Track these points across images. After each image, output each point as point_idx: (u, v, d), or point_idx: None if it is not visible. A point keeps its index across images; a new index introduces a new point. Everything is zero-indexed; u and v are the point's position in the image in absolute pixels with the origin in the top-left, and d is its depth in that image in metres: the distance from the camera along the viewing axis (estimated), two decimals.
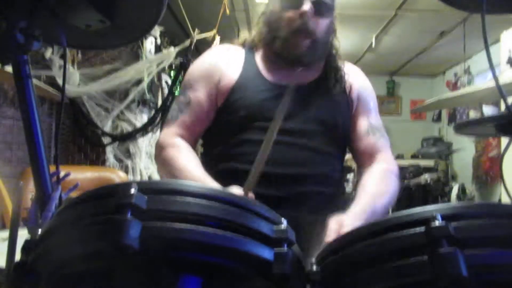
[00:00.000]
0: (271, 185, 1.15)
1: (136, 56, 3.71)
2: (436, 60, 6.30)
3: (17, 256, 0.55)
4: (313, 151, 1.20)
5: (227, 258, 0.49)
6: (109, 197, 0.50)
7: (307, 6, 1.18)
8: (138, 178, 3.62)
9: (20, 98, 0.72)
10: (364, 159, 1.29)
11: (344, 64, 1.34)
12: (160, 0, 0.80)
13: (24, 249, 0.54)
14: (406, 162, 6.21)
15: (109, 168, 3.51)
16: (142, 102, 3.79)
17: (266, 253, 0.50)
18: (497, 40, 3.79)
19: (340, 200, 1.25)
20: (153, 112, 3.83)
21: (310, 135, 1.21)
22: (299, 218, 0.94)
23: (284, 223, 0.53)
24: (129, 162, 3.67)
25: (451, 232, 0.44)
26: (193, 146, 1.27)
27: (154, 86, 3.98)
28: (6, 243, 0.79)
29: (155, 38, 3.98)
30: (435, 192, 5.37)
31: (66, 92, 3.06)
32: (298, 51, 1.22)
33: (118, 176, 3.21)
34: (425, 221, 0.46)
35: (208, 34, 3.51)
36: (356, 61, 5.99)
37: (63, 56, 2.91)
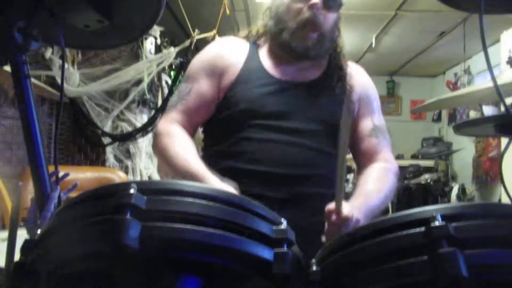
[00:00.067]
0: (272, 185, 1.14)
1: (136, 56, 3.71)
2: (436, 60, 6.30)
3: (17, 256, 0.55)
4: (314, 151, 1.20)
5: (227, 258, 0.49)
6: (108, 197, 0.50)
7: None
8: (138, 178, 3.62)
9: (19, 98, 0.72)
10: (364, 160, 1.29)
11: (347, 64, 1.34)
12: (159, 1, 0.80)
13: (24, 249, 0.54)
14: (406, 162, 6.21)
15: (109, 168, 3.51)
16: (142, 102, 3.79)
17: (266, 253, 0.50)
18: (497, 40, 3.79)
19: None
20: (153, 112, 3.83)
21: (311, 134, 1.21)
22: (300, 219, 0.94)
23: (284, 223, 0.53)
24: (129, 162, 3.67)
25: (451, 232, 0.44)
26: (191, 134, 1.26)
27: (154, 86, 3.98)
28: (5, 243, 0.78)
29: (155, 38, 3.98)
30: (435, 192, 5.37)
31: (66, 92, 3.06)
32: (306, 44, 1.21)
33: (118, 176, 3.21)
34: (425, 221, 0.46)
35: (208, 34, 3.51)
36: (356, 61, 5.95)
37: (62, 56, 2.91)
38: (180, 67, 3.85)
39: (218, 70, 1.25)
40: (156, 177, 3.87)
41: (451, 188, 5.62)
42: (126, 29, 0.88)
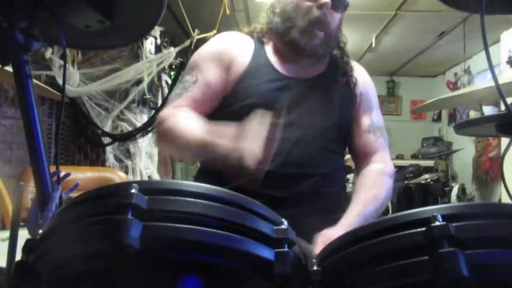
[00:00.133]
0: (274, 185, 1.14)
1: (136, 56, 3.71)
2: (436, 60, 6.30)
3: (18, 256, 0.55)
4: (320, 149, 1.20)
5: (228, 258, 0.49)
6: (109, 197, 0.50)
7: None
8: (138, 178, 3.62)
9: (20, 98, 0.72)
10: (360, 158, 1.29)
11: (350, 60, 1.35)
12: (160, 1, 0.80)
13: (25, 249, 0.54)
14: (406, 162, 6.22)
15: (109, 168, 3.52)
16: (142, 102, 3.79)
17: (267, 253, 0.50)
18: (497, 40, 3.78)
19: (343, 199, 1.24)
20: (153, 112, 3.83)
21: (318, 131, 1.20)
22: (302, 218, 0.93)
23: (285, 223, 0.53)
24: (129, 162, 3.67)
25: (452, 232, 0.44)
26: None
27: (154, 86, 3.97)
28: (5, 243, 0.79)
29: (155, 38, 3.98)
30: (435, 192, 5.37)
31: (66, 92, 3.06)
32: (314, 42, 1.21)
33: (118, 176, 3.21)
34: (426, 221, 0.46)
35: (208, 34, 3.51)
36: (356, 61, 5.96)
37: (63, 56, 2.91)
38: (180, 67, 3.84)
39: (226, 62, 1.23)
40: (156, 177, 3.87)
41: (451, 188, 5.62)
42: (127, 30, 0.88)
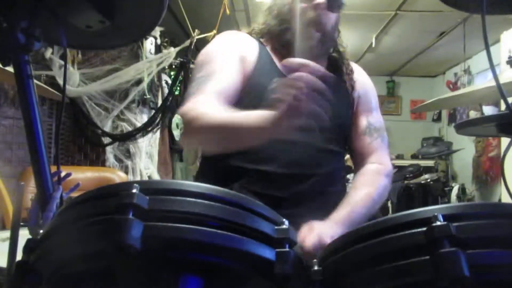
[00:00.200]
0: (274, 185, 1.14)
1: (136, 56, 3.71)
2: (436, 60, 6.31)
3: (19, 256, 0.55)
4: (320, 150, 1.20)
5: (228, 258, 0.49)
6: (110, 197, 0.50)
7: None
8: (138, 178, 3.62)
9: (21, 98, 0.72)
10: (358, 159, 1.29)
11: (349, 61, 1.35)
12: (161, 1, 0.80)
13: (26, 249, 0.54)
14: (406, 162, 6.23)
15: (109, 168, 3.52)
16: (142, 102, 3.79)
17: (268, 253, 0.50)
18: (497, 40, 3.78)
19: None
20: (153, 112, 3.83)
21: (314, 131, 1.20)
22: (302, 218, 0.93)
23: (285, 223, 0.53)
24: (129, 162, 3.67)
25: (453, 232, 0.44)
26: None
27: (154, 86, 3.97)
28: (5, 243, 0.79)
29: (155, 38, 3.98)
30: (435, 192, 5.37)
31: (66, 92, 3.06)
32: (310, 43, 1.21)
33: (118, 176, 3.22)
34: (427, 221, 0.46)
35: (208, 34, 3.51)
36: (356, 61, 5.95)
37: (63, 56, 2.91)
38: (180, 67, 3.85)
39: (241, 57, 1.21)
40: (156, 177, 3.87)
41: (451, 188, 5.62)
42: (128, 30, 0.88)
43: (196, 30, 3.53)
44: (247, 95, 1.18)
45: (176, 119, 4.30)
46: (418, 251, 0.45)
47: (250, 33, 1.33)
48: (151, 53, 3.86)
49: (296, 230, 0.54)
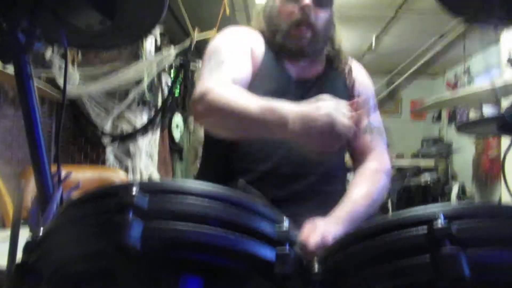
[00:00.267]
0: (273, 184, 1.14)
1: (136, 56, 3.71)
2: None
3: (19, 256, 0.55)
4: None
5: (229, 258, 0.49)
6: (110, 197, 0.50)
7: (307, 0, 1.18)
8: (138, 178, 3.62)
9: (22, 98, 0.72)
10: (357, 157, 1.29)
11: (348, 59, 1.35)
12: (161, 1, 0.80)
13: (26, 249, 0.54)
14: (406, 162, 6.21)
15: (109, 168, 3.51)
16: (142, 102, 3.79)
17: (268, 253, 0.50)
18: (497, 40, 3.78)
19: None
20: (153, 112, 3.83)
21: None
22: (302, 217, 0.93)
23: (286, 223, 0.53)
24: (129, 162, 3.67)
25: (454, 232, 0.44)
26: None
27: (154, 86, 3.98)
28: (5, 243, 0.79)
29: (155, 38, 3.99)
30: (435, 192, 5.37)
31: (66, 92, 3.06)
32: (300, 43, 1.21)
33: (118, 176, 3.21)
34: (427, 221, 0.46)
35: (208, 34, 3.51)
36: (356, 61, 5.98)
37: (63, 56, 2.91)
38: (180, 68, 3.85)
39: (251, 50, 1.21)
40: (156, 177, 3.87)
41: (451, 188, 5.62)
42: (128, 30, 0.88)
43: (196, 30, 3.54)
44: (254, 89, 1.16)
45: (176, 119, 4.30)
46: (418, 251, 0.45)
47: None
48: (151, 53, 3.87)
49: (296, 229, 0.54)
